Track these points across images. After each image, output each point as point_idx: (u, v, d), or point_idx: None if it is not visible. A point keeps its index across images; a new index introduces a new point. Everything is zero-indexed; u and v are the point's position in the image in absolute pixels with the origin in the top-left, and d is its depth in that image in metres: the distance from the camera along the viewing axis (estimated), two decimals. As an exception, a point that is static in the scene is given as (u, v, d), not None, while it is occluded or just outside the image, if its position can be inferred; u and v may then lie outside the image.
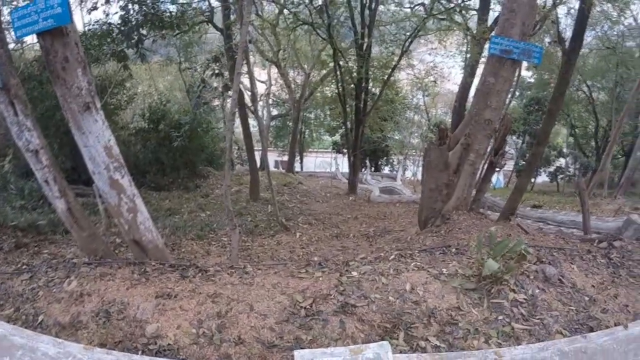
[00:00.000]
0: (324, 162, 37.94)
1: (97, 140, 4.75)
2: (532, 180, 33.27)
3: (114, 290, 4.14)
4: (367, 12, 16.74)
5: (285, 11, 18.11)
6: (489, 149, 9.21)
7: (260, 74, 32.58)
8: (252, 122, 34.70)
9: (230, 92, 13.05)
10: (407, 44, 17.26)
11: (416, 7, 17.71)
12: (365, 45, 16.58)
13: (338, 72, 17.51)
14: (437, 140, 8.58)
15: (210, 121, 19.50)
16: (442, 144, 8.36)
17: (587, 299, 4.45)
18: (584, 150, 31.83)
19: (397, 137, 34.24)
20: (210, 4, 16.43)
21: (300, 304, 3.82)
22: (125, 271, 4.61)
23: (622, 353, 3.12)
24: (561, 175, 34.05)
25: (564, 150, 35.79)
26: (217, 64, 16.59)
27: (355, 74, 16.92)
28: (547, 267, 4.83)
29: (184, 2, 15.00)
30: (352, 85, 17.92)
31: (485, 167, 9.67)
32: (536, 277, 4.64)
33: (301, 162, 36.46)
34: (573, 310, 4.15)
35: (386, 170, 35.75)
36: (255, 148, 34.11)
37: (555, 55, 28.46)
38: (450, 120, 26.34)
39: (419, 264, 4.74)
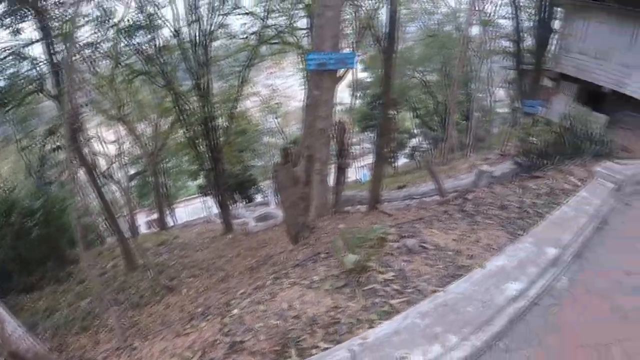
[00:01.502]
0: (196, 208, 37.01)
1: None
2: (394, 165, 35.65)
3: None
4: (201, 50, 16.80)
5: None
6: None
7: (108, 134, 31.00)
8: (111, 187, 33.14)
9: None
10: (244, 74, 17.71)
11: (249, 37, 18.17)
12: (203, 84, 16.70)
13: (183, 117, 17.44)
14: (282, 160, 9.02)
15: (65, 198, 17.57)
16: (287, 163, 8.80)
17: (451, 253, 4.71)
18: (431, 126, 34.89)
19: (259, 164, 34.69)
20: (38, 72, 15.11)
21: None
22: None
23: (483, 291, 3.36)
24: (418, 153, 36.80)
25: (415, 131, 38.61)
26: (55, 136, 15.42)
27: (199, 114, 17.00)
28: (407, 240, 5.10)
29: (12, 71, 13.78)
30: (200, 126, 17.76)
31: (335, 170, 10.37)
32: (400, 252, 4.85)
33: (173, 215, 35.22)
34: (441, 267, 4.36)
35: (259, 198, 35.85)
36: (122, 214, 32.43)
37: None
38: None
39: (292, 280, 4.80)
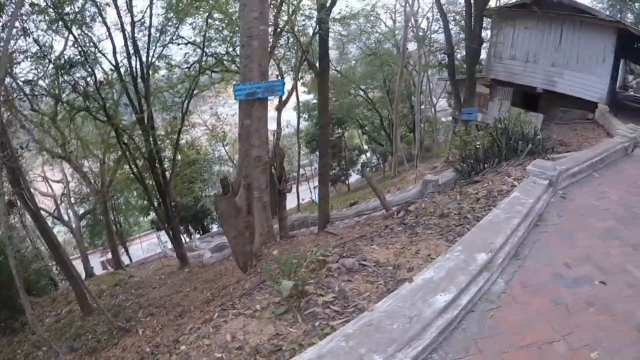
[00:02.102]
0: (152, 243, 35.67)
1: None
2: (347, 182, 35.83)
3: None
4: (141, 83, 16.32)
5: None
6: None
7: (53, 173, 29.97)
8: (60, 228, 32.00)
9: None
10: (186, 104, 17.32)
11: (190, 67, 17.85)
12: (146, 117, 16.16)
13: (127, 151, 16.87)
14: (222, 191, 8.91)
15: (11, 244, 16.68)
16: (226, 194, 8.70)
17: (391, 268, 4.67)
18: (379, 141, 35.31)
19: (212, 194, 34.06)
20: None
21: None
22: None
23: (410, 307, 3.15)
24: (368, 168, 37.11)
25: (364, 147, 38.99)
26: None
27: (143, 148, 16.49)
28: (345, 260, 5.05)
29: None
30: (145, 160, 17.24)
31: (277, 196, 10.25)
32: (340, 272, 4.82)
33: (127, 253, 33.70)
34: (382, 284, 4.32)
35: (214, 228, 35.15)
36: (74, 256, 30.99)
37: (331, 76, 31.73)
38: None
39: (237, 310, 4.73)
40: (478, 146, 9.63)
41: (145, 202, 27.33)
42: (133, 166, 17.36)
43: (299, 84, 26.93)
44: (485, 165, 9.29)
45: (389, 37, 31.26)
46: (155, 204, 19.50)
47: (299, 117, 28.36)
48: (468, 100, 15.54)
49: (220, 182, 9.37)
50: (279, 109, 28.43)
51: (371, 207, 15.12)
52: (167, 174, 17.81)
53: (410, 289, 3.37)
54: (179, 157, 19.83)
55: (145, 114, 16.10)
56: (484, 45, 18.12)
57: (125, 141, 16.59)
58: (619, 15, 25.22)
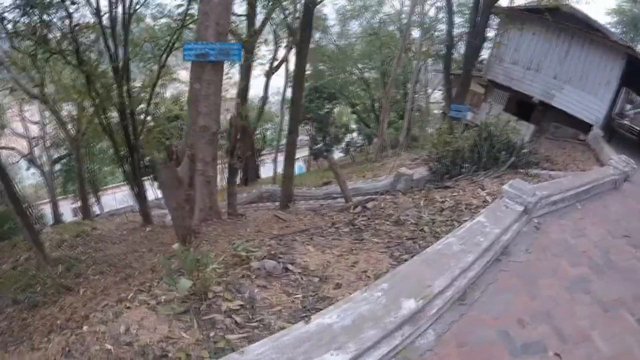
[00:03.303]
0: (126, 195, 34.64)
1: None
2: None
3: None
4: (121, 30, 14.88)
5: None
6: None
7: (32, 114, 28.72)
8: (33, 171, 30.95)
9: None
10: (163, 58, 15.98)
11: (175, 19, 16.67)
12: (120, 66, 15.04)
13: (97, 100, 15.66)
14: (166, 159, 8.54)
15: None
16: (170, 161, 8.06)
17: (317, 280, 4.18)
18: (367, 122, 34.29)
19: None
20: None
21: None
22: None
23: None
24: (352, 148, 36.11)
25: (353, 126, 37.99)
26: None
27: (115, 99, 15.33)
28: (267, 261, 4.48)
29: None
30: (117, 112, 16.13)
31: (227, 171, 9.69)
32: (259, 275, 4.29)
33: (99, 203, 32.72)
34: (300, 298, 3.86)
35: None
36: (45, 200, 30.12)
37: (326, 47, 30.52)
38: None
39: (145, 297, 4.21)
40: (457, 148, 8.72)
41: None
42: (102, 117, 15.96)
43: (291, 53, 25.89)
44: (462, 170, 8.44)
45: (394, 19, 29.88)
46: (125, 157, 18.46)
47: (287, 87, 27.36)
48: (459, 96, 14.55)
49: (166, 149, 8.64)
50: (268, 74, 27.47)
51: (339, 192, 14.30)
52: (139, 128, 16.70)
53: (296, 337, 2.45)
54: (159, 111, 18.66)
55: (121, 63, 14.84)
56: (486, 44, 17.08)
57: (96, 90, 15.41)
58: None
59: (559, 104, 15.19)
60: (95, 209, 30.13)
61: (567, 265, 4.16)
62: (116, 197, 34.10)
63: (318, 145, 34.75)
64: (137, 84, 17.59)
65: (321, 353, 2.32)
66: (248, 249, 4.77)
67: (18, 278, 11.51)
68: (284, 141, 43.58)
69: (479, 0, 14.10)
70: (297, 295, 3.90)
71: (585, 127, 14.31)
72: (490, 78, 17.64)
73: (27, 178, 33.42)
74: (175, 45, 15.86)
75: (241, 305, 3.75)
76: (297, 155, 40.68)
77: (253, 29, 15.13)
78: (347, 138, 37.52)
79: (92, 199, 29.48)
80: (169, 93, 28.20)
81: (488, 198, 6.34)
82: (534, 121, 16.47)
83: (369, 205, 7.22)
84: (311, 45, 29.97)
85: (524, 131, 13.52)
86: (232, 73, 26.38)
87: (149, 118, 18.11)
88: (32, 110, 28.58)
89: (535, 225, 4.92)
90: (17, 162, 30.35)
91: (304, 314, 3.49)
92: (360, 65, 32.16)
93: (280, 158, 35.73)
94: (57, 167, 31.08)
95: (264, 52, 25.45)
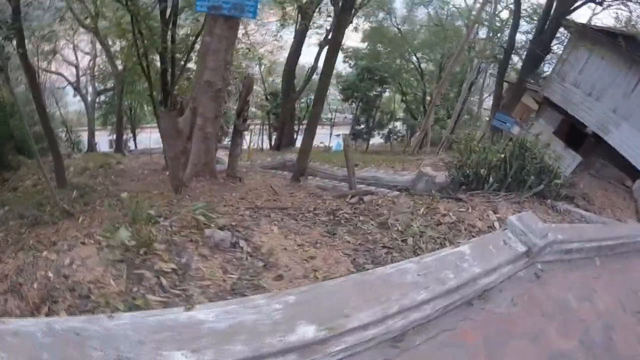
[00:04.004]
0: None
1: None
2: (368, 142, 34.14)
3: None
4: None
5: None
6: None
7: (86, 44, 29.05)
8: (78, 99, 31.49)
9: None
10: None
11: None
12: (169, 10, 14.46)
13: (139, 42, 15.13)
14: (169, 107, 8.62)
15: (13, 103, 16.07)
16: (173, 110, 8.24)
17: (261, 265, 3.96)
18: (414, 114, 33.13)
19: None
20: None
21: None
22: None
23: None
24: (394, 136, 35.08)
25: (399, 114, 36.95)
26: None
27: (156, 42, 14.79)
28: (218, 232, 4.29)
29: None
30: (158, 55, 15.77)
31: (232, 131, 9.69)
32: (205, 243, 4.15)
33: (134, 140, 33.00)
34: (234, 279, 3.68)
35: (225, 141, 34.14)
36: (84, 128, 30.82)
37: (388, 29, 29.34)
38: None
39: (101, 237, 4.14)
40: (483, 160, 7.75)
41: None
42: (143, 57, 15.90)
43: (351, 28, 24.94)
44: (484, 185, 7.50)
45: (463, 13, 28.08)
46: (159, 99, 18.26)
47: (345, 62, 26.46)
48: (508, 106, 13.41)
49: (171, 98, 8.79)
50: (322, 45, 26.54)
51: (360, 177, 13.47)
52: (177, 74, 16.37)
53: (162, 322, 2.04)
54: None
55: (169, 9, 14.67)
56: (549, 57, 15.67)
57: (142, 31, 15.05)
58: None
59: (613, 140, 13.70)
60: (130, 145, 31.33)
61: (554, 333, 3.27)
62: (152, 137, 34.57)
63: (360, 127, 33.93)
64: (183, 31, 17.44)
65: (172, 348, 1.89)
66: (207, 214, 4.58)
67: (33, 196, 11.59)
68: (327, 115, 43.02)
69: (550, 8, 12.76)
70: (233, 275, 3.73)
71: (635, 174, 12.89)
72: (546, 95, 16.15)
73: (73, 104, 34.71)
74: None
75: (174, 269, 3.69)
76: (338, 132, 40.04)
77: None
78: (391, 125, 36.49)
79: (128, 135, 30.01)
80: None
81: (496, 224, 5.51)
82: (583, 153, 15.05)
83: (366, 198, 6.71)
84: (373, 24, 29.02)
85: (568, 161, 12.32)
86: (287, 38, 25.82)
87: (189, 65, 17.83)
88: (86, 41, 29.11)
89: (536, 272, 3.99)
90: (64, 87, 30.96)
91: (229, 297, 3.38)
92: (419, 54, 30.85)
93: (321, 131, 35.07)
94: (101, 98, 32.02)
95: (322, 22, 24.74)
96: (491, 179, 7.43)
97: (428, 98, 31.08)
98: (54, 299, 3.25)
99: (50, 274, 3.51)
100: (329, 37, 25.36)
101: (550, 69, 16.99)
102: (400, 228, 4.96)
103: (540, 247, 3.81)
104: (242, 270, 3.82)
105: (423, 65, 31.84)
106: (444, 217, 5.49)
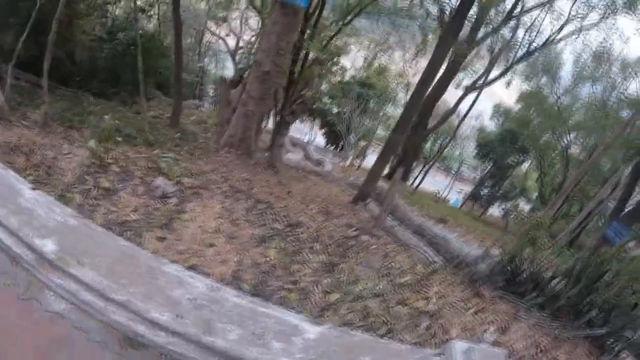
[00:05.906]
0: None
1: None
2: (486, 209, 31.22)
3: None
4: None
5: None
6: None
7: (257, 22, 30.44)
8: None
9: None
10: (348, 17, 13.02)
11: None
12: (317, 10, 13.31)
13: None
14: (232, 78, 9.20)
15: (162, 40, 17.27)
16: (231, 82, 8.75)
17: (163, 218, 4.30)
18: (545, 199, 28.90)
19: (335, 110, 29.74)
20: None
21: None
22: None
23: None
24: (514, 215, 31.16)
25: (532, 194, 33.68)
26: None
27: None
28: (167, 183, 4.85)
29: None
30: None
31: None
32: (152, 184, 4.84)
33: None
34: (136, 218, 4.22)
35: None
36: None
37: (546, 97, 26.05)
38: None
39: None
40: (541, 262, 5.92)
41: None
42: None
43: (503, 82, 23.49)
44: (525, 291, 5.64)
45: (633, 105, 21.88)
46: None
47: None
48: (632, 216, 10.72)
49: (238, 70, 9.13)
50: (467, 90, 24.34)
51: (438, 234, 11.26)
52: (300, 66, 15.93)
53: None
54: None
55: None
56: None
57: None
58: None
59: None
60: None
61: None
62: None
63: (484, 191, 31.38)
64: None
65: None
66: (170, 165, 5.23)
67: (142, 122, 12.06)
68: (454, 165, 39.95)
69: None
70: (139, 217, 4.17)
71: None
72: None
73: (231, 70, 36.22)
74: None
75: (106, 188, 4.36)
76: (460, 187, 36.98)
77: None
78: (516, 201, 32.80)
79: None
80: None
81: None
82: None
83: (373, 231, 6.22)
84: (532, 87, 25.95)
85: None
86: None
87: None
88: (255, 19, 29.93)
89: None
90: (226, 52, 32.36)
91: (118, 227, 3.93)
92: (571, 135, 26.56)
93: (442, 178, 32.37)
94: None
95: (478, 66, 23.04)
96: (535, 293, 5.58)
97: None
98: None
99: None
100: (479, 82, 23.51)
101: None
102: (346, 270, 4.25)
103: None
104: (150, 216, 4.16)
105: (572, 150, 27.30)
106: (421, 301, 4.20)
